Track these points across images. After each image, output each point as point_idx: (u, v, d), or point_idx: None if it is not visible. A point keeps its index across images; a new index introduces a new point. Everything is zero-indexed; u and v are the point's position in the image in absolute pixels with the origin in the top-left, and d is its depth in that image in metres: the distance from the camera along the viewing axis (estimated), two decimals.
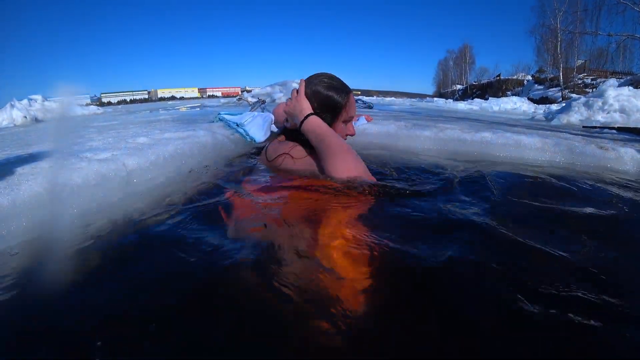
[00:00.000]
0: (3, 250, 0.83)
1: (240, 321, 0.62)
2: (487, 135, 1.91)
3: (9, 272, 0.76)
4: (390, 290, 0.72)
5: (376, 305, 0.67)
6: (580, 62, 21.37)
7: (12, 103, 7.78)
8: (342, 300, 0.66)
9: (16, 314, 0.66)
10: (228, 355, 0.56)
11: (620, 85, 5.73)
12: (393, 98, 23.91)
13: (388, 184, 1.21)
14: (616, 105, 5.19)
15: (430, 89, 51.76)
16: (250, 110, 2.71)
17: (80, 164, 1.08)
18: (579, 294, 0.69)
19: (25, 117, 7.59)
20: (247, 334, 0.59)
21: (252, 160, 1.64)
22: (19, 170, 1.07)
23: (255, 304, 0.66)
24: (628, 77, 13.48)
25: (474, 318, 0.63)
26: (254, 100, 5.56)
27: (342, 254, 0.85)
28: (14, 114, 7.54)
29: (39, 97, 8.57)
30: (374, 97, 20.49)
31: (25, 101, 8.23)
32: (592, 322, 0.62)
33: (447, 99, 23.04)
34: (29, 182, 0.97)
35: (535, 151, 1.83)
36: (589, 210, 1.15)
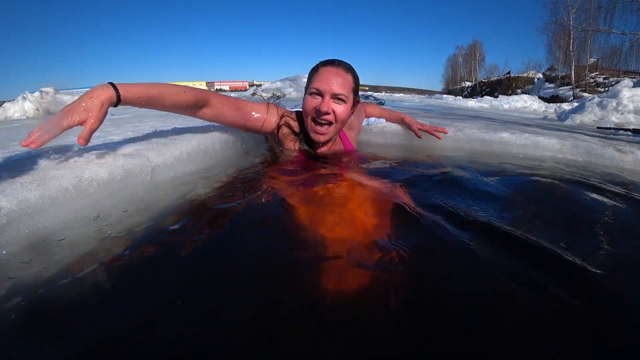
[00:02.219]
0: (47, 238, 0.85)
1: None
2: (505, 135, 1.90)
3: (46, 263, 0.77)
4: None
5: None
6: (592, 60, 21.08)
7: (24, 95, 7.83)
8: None
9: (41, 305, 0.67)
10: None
11: (634, 85, 5.65)
12: (402, 94, 23.79)
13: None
14: (630, 106, 5.12)
15: (438, 86, 51.61)
16: None
17: (106, 159, 1.08)
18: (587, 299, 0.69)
19: (37, 109, 7.64)
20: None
21: (275, 154, 1.66)
22: (43, 164, 1.06)
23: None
24: None
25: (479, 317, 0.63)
26: (268, 95, 5.56)
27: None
28: (26, 106, 7.60)
29: (50, 90, 8.59)
30: (382, 93, 20.34)
31: (37, 93, 8.26)
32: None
33: (456, 96, 22.87)
34: (55, 178, 0.97)
35: (553, 152, 1.82)
36: (608, 214, 1.13)
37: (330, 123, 1.43)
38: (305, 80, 1.52)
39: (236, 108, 1.42)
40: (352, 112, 1.53)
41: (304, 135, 1.54)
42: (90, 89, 1.01)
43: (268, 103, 1.53)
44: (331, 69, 1.41)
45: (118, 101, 1.05)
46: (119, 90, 1.04)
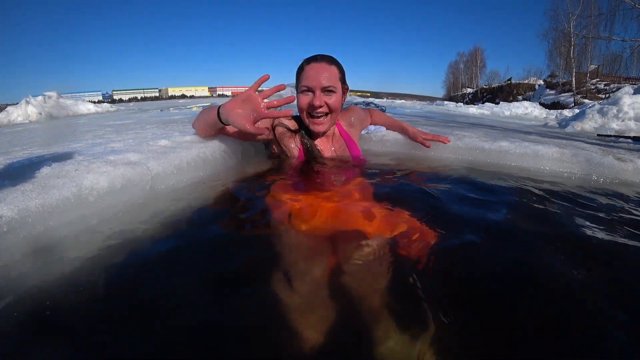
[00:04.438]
0: (47, 246, 0.86)
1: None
2: (505, 144, 1.89)
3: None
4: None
5: None
6: (593, 67, 21.10)
7: (28, 99, 7.89)
8: None
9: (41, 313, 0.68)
10: None
11: (634, 92, 5.64)
12: (403, 101, 23.85)
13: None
14: (631, 113, 5.11)
15: (440, 92, 51.64)
16: None
17: (106, 168, 1.09)
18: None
19: (40, 113, 7.70)
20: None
21: (276, 163, 1.68)
22: (44, 172, 1.07)
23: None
24: None
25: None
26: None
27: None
28: (29, 110, 7.66)
29: (53, 94, 8.66)
30: (384, 100, 20.41)
31: (40, 98, 8.33)
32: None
33: (457, 102, 22.86)
34: (56, 186, 0.98)
35: (553, 161, 1.81)
36: (603, 224, 1.13)
37: (326, 114, 1.54)
38: None
39: None
40: (344, 99, 1.64)
41: (303, 131, 1.64)
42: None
43: None
44: (315, 65, 1.51)
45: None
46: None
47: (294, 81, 1.61)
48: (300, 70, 1.55)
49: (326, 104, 1.50)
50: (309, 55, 1.57)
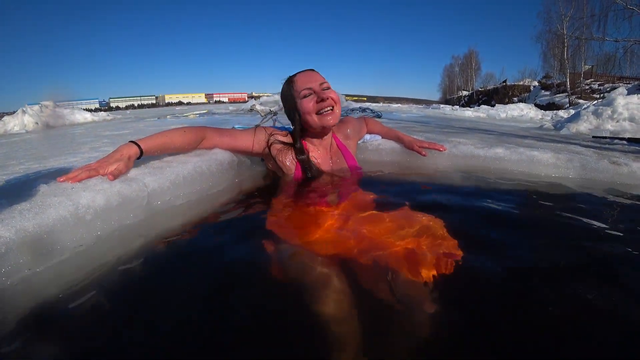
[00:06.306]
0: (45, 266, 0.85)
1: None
2: (500, 151, 1.90)
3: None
4: None
5: None
6: (587, 67, 21.26)
7: (24, 109, 7.88)
8: None
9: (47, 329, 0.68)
10: None
11: (629, 91, 5.69)
12: (399, 105, 23.94)
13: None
14: (626, 114, 5.15)
15: (436, 95, 51.91)
16: (262, 122, 2.71)
17: (103, 185, 1.09)
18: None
19: (37, 123, 7.69)
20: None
21: (272, 175, 1.70)
22: (41, 189, 1.07)
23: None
24: (636, 83, 13.40)
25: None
26: (265, 109, 5.59)
27: None
28: (26, 120, 7.64)
29: (50, 103, 8.66)
30: (380, 104, 20.51)
31: (36, 107, 8.32)
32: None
33: (453, 105, 22.95)
34: (53, 205, 0.98)
35: (548, 167, 1.82)
36: (597, 229, 1.14)
37: (332, 107, 1.57)
38: None
39: (228, 137, 1.59)
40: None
41: (300, 146, 1.63)
42: (119, 148, 1.22)
43: (255, 128, 1.68)
44: (304, 72, 1.62)
45: (141, 154, 1.25)
46: (141, 146, 1.25)
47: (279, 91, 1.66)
48: (292, 83, 1.60)
49: (330, 97, 1.55)
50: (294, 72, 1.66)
